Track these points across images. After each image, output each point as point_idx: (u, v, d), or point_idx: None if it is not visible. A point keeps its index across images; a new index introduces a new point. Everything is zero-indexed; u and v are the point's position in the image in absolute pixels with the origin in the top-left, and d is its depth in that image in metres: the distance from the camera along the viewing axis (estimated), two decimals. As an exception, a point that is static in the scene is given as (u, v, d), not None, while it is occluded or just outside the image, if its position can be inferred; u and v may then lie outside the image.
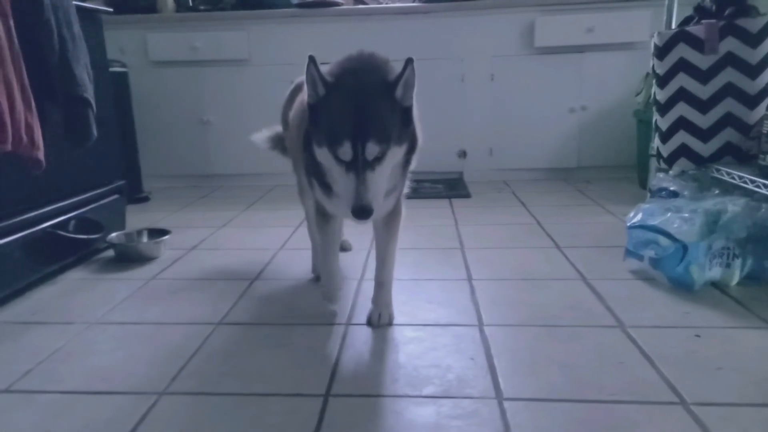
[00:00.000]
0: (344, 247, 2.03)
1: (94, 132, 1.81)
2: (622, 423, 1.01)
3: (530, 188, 3.09)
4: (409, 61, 1.15)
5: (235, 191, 3.31)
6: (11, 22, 1.50)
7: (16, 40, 1.51)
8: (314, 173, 1.32)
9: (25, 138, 1.51)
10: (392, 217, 1.42)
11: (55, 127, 1.70)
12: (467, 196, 2.96)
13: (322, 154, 1.16)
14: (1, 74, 1.44)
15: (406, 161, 1.30)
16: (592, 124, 3.20)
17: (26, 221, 1.71)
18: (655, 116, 2.05)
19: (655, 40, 1.96)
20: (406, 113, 1.19)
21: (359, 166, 1.10)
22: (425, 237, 2.20)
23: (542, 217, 2.45)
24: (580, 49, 3.09)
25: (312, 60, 1.14)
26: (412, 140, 1.25)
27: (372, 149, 1.10)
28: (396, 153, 1.18)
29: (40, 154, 1.57)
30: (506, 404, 1.07)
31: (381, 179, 1.15)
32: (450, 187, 3.14)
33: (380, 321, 1.44)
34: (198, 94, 3.38)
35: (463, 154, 3.35)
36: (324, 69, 1.18)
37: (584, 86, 3.15)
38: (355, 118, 1.10)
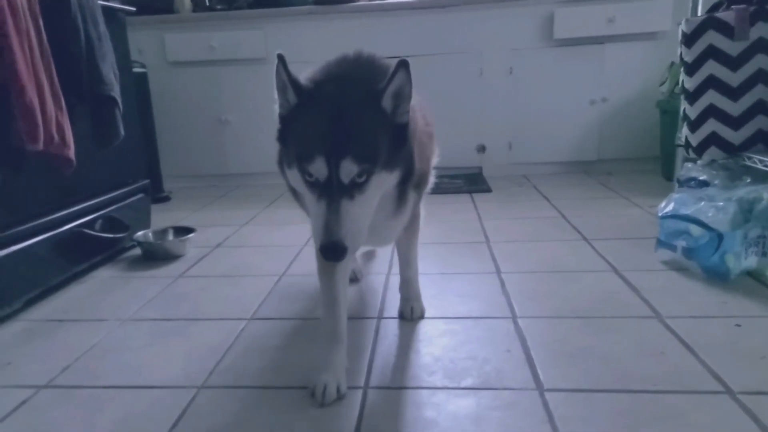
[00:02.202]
0: (351, 277, 1.68)
1: (121, 131, 1.82)
2: (669, 412, 0.99)
3: (551, 182, 3.06)
4: (400, 66, 0.91)
5: (253, 190, 3.32)
6: (40, 22, 1.51)
7: (45, 40, 1.52)
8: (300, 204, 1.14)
9: (56, 137, 1.52)
10: (410, 222, 1.29)
11: (82, 126, 1.72)
12: (488, 190, 2.94)
13: (293, 177, 0.96)
14: (31, 73, 1.45)
15: (401, 192, 1.05)
16: (613, 116, 3.16)
17: (55, 221, 1.73)
18: (684, 105, 2.02)
19: (683, 27, 1.93)
20: (400, 131, 0.96)
21: (333, 191, 0.88)
22: (449, 232, 2.19)
23: (566, 210, 2.42)
24: (601, 40, 3.05)
25: (281, 60, 0.94)
26: (407, 166, 1.00)
27: (349, 168, 0.87)
28: (384, 180, 0.94)
29: (71, 153, 1.58)
30: (548, 395, 1.06)
31: (361, 212, 0.91)
32: (470, 182, 3.13)
33: (413, 314, 1.43)
34: (216, 93, 3.39)
35: (482, 148, 3.33)
36: (309, 71, 1.03)
37: (605, 78, 3.11)
38: (329, 130, 0.90)
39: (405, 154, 0.98)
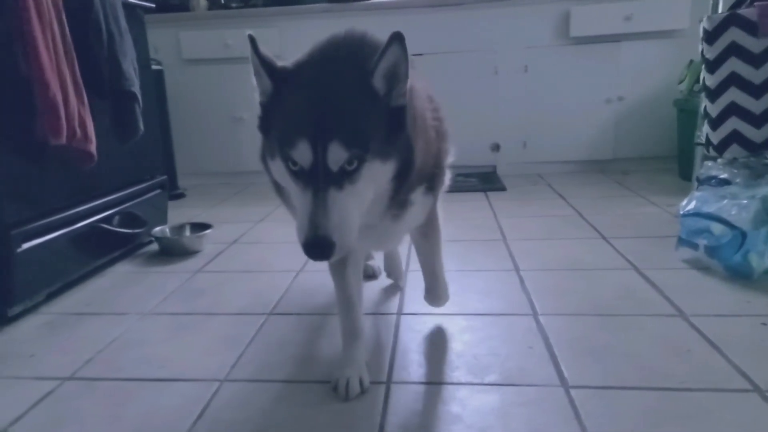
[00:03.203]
0: (368, 273, 1.69)
1: (141, 126, 1.83)
2: (696, 411, 0.98)
3: (566, 180, 3.04)
4: (393, 40, 0.80)
5: (267, 187, 3.25)
6: (64, 17, 1.52)
7: (68, 35, 1.53)
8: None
9: (78, 131, 1.53)
10: (429, 225, 1.18)
11: (101, 121, 1.73)
12: (503, 189, 2.92)
13: (276, 168, 0.86)
14: (55, 68, 1.46)
15: (397, 184, 0.89)
16: (629, 115, 3.13)
17: (75, 215, 1.73)
18: (704, 102, 2.00)
19: (705, 24, 1.91)
20: (395, 116, 0.85)
21: (319, 179, 0.78)
22: (466, 229, 2.18)
23: (583, 208, 2.41)
24: (617, 38, 3.03)
25: (252, 42, 0.85)
26: (404, 157, 0.87)
27: (337, 153, 0.78)
28: (377, 171, 0.83)
29: (93, 148, 1.59)
30: (573, 392, 1.05)
31: (351, 204, 0.80)
32: (484, 180, 3.11)
33: (439, 305, 1.38)
34: (230, 91, 3.40)
35: (496, 147, 3.31)
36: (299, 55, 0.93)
37: (621, 76, 3.09)
38: (314, 112, 0.80)
39: (402, 143, 0.86)
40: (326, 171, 0.79)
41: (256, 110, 0.92)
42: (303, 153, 0.79)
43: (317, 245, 0.77)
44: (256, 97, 0.91)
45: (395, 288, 1.63)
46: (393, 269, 1.66)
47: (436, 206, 1.17)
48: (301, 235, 0.78)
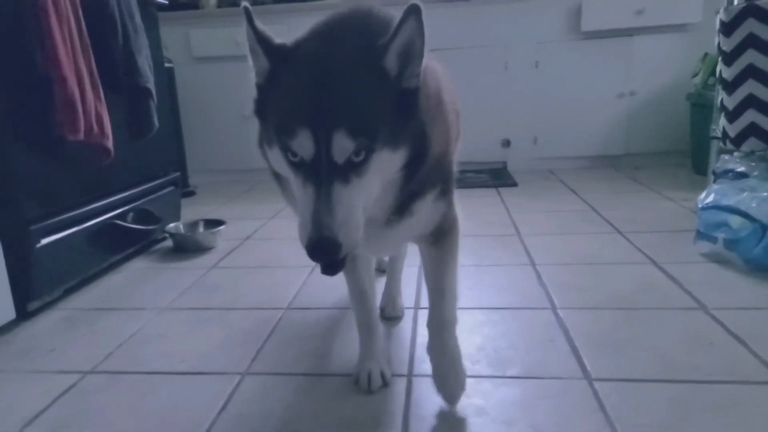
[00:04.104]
0: (381, 267, 1.61)
1: (156, 122, 1.84)
2: (725, 402, 0.97)
3: (578, 176, 3.03)
4: (410, 12, 0.70)
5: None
6: (80, 13, 1.53)
7: (85, 30, 1.53)
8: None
9: (95, 127, 1.54)
10: (444, 230, 0.96)
11: (116, 117, 1.73)
12: (514, 184, 2.91)
13: (275, 158, 0.77)
14: (72, 64, 1.46)
15: (407, 175, 0.78)
16: (641, 110, 3.11)
17: (91, 212, 1.74)
18: (721, 95, 1.98)
19: (721, 15, 1.89)
20: (407, 99, 0.75)
21: (322, 173, 0.69)
22: (479, 224, 2.17)
23: (597, 203, 2.39)
24: (629, 32, 3.01)
25: (247, 14, 0.76)
26: (417, 145, 0.76)
27: (342, 144, 0.68)
28: (386, 162, 0.73)
29: (109, 144, 1.60)
30: (597, 385, 1.04)
31: (358, 199, 0.71)
32: (494, 176, 3.10)
33: (452, 399, 1.00)
34: (240, 88, 3.39)
35: (506, 143, 3.30)
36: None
37: (633, 71, 3.07)
38: (316, 95, 0.70)
39: (414, 129, 0.75)
40: (330, 163, 0.69)
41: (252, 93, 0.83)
42: (304, 143, 0.69)
43: (319, 247, 0.68)
44: (252, 78, 0.81)
45: (410, 282, 1.62)
46: (390, 299, 1.43)
47: (451, 203, 0.97)
48: (303, 235, 0.70)
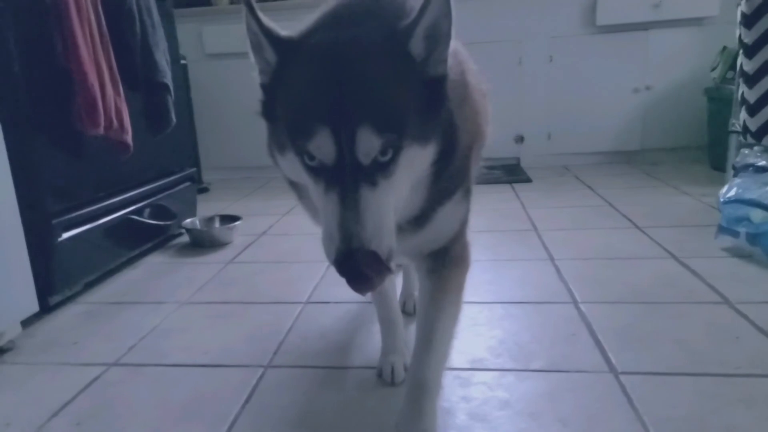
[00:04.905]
0: (405, 310, 1.38)
1: (173, 118, 1.84)
2: (753, 395, 0.96)
3: (593, 172, 3.00)
4: None
5: None
6: (100, 9, 1.53)
7: (104, 26, 1.54)
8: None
9: (115, 122, 1.54)
10: (453, 255, 0.86)
11: (134, 113, 1.74)
12: (528, 180, 2.89)
13: (288, 164, 0.69)
14: (93, 59, 1.47)
15: (436, 172, 0.70)
16: (657, 105, 3.08)
17: (111, 206, 1.75)
18: (741, 89, 1.95)
19: (743, 7, 1.87)
20: (435, 87, 0.67)
21: (346, 176, 0.61)
22: (496, 220, 2.16)
23: (613, 199, 2.37)
24: (645, 26, 2.98)
25: (248, 6, 0.68)
26: (446, 138, 0.68)
27: (368, 142, 0.60)
28: (415, 159, 0.65)
29: (129, 138, 1.60)
30: (623, 378, 1.03)
31: (388, 202, 0.63)
32: (508, 172, 3.09)
33: None
34: (253, 85, 3.40)
35: (520, 139, 3.28)
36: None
37: (649, 65, 3.03)
38: (333, 90, 0.62)
39: (442, 120, 0.67)
40: (355, 165, 0.61)
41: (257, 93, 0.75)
42: (323, 144, 0.61)
43: (347, 260, 0.59)
44: (255, 77, 0.74)
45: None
46: (408, 294, 1.39)
47: (465, 229, 0.86)
48: (330, 249, 0.61)
